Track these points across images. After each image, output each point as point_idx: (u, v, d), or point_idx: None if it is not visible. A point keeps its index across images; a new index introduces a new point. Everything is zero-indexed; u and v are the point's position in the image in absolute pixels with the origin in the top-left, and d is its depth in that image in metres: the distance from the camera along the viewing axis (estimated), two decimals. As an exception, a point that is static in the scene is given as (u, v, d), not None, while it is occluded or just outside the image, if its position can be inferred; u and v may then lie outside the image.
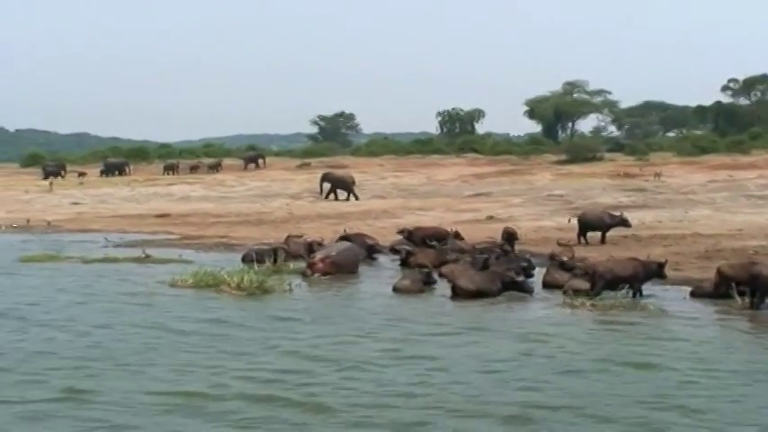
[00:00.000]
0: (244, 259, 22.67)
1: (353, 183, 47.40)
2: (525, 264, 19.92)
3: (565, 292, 17.79)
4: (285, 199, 45.63)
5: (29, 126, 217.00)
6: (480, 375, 11.80)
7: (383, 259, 24.06)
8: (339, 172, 52.82)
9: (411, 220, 31.99)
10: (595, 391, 11.09)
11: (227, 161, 71.06)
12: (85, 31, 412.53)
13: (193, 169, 68.31)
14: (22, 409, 10.33)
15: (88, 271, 22.11)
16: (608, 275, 17.68)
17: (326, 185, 47.24)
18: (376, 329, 14.91)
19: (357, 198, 45.65)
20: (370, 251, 23.88)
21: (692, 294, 17.93)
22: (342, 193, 46.66)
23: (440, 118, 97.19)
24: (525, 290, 18.49)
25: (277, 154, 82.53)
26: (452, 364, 12.39)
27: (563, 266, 19.63)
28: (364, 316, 16.24)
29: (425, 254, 22.50)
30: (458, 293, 18.00)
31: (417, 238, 24.84)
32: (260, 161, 69.45)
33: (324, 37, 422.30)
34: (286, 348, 13.39)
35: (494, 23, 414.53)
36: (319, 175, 49.53)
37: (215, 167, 68.41)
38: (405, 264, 22.30)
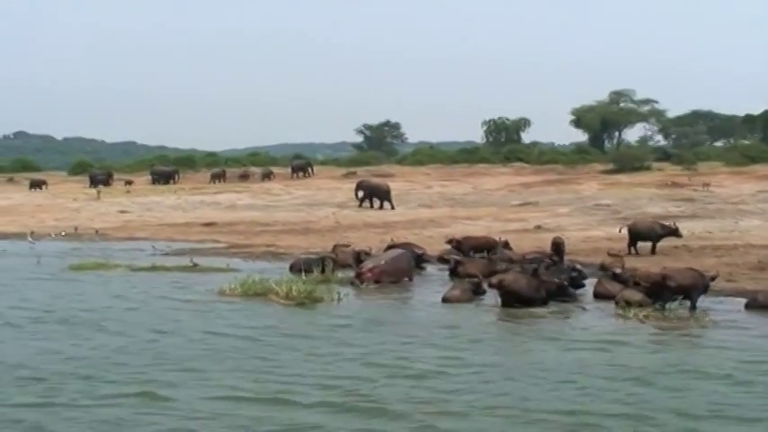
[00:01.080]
0: (292, 268, 22.63)
1: (389, 191, 47.34)
2: (575, 274, 19.63)
3: (617, 303, 17.53)
4: (331, 208, 45.57)
5: (76, 134, 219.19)
6: (544, 383, 11.73)
7: (431, 269, 23.87)
8: (375, 180, 52.88)
9: (458, 230, 31.83)
10: (652, 400, 10.94)
11: (273, 170, 71.31)
12: (130, 41, 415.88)
13: (243, 177, 68.75)
14: (107, 413, 10.48)
15: (137, 279, 22.17)
16: (673, 285, 17.40)
17: (362, 193, 47.24)
18: (432, 338, 14.82)
19: (392, 206, 45.57)
20: (418, 261, 23.69)
21: (747, 306, 17.60)
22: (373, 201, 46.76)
23: (486, 127, 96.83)
24: (570, 296, 18.48)
25: (322, 163, 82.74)
26: (514, 371, 12.35)
27: (615, 277, 19.35)
28: (417, 324, 16.13)
29: (474, 264, 22.31)
30: (507, 299, 17.81)
31: (466, 248, 24.69)
32: (308, 170, 69.67)
33: (369, 45, 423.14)
34: (349, 356, 13.36)
35: (539, 32, 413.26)
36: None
37: (267, 176, 68.81)
38: (453, 273, 22.08)
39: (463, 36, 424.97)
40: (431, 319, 16.74)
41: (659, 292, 17.33)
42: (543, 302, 17.95)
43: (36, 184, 68.48)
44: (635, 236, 26.39)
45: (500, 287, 18.03)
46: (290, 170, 70.47)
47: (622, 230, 27.18)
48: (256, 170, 74.93)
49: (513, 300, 17.81)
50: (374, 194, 47.07)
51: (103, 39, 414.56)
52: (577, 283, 19.35)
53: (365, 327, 15.90)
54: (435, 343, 14.39)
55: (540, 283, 18.32)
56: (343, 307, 18.06)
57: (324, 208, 45.65)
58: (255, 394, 11.18)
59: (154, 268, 23.88)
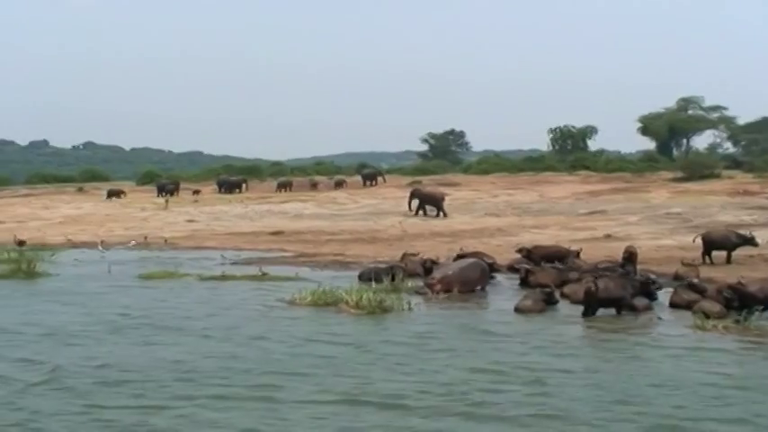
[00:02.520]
0: (361, 277, 22.54)
1: (443, 199, 47.15)
2: (651, 283, 19.23)
3: (694, 313, 17.18)
4: (397, 217, 45.36)
5: (144, 145, 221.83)
6: (645, 390, 11.83)
7: (501, 278, 23.60)
8: (428, 188, 52.76)
9: (526, 239, 31.55)
10: (741, 410, 10.96)
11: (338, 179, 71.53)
12: (197, 53, 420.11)
13: (314, 186, 69.09)
14: (235, 416, 10.80)
15: (207, 288, 22.26)
16: (760, 296, 17.01)
17: (416, 202, 47.07)
18: (516, 346, 14.80)
19: (445, 215, 45.40)
20: (488, 270, 23.46)
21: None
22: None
23: (551, 135, 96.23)
24: (654, 296, 18.46)
25: (387, 172, 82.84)
26: (609, 378, 12.53)
27: (692, 287, 18.96)
28: (498, 333, 16.01)
29: (546, 273, 22.06)
30: (592, 306, 17.60)
31: (536, 257, 24.43)
32: (379, 178, 69.82)
33: (434, 54, 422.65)
34: (445, 363, 13.48)
35: (606, 39, 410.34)
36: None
37: (339, 184, 69.09)
38: (524, 283, 21.86)
39: (527, 44, 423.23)
40: (511, 328, 16.59)
41: (743, 302, 16.96)
42: (631, 301, 17.78)
43: (113, 194, 69.39)
44: (709, 245, 25.87)
45: (587, 295, 17.79)
46: (360, 179, 70.68)
47: (696, 240, 26.66)
48: (322, 179, 75.20)
49: (600, 304, 17.59)
50: (428, 202, 46.92)
51: (170, 49, 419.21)
52: (652, 292, 18.98)
53: (447, 335, 15.85)
54: (524, 351, 14.42)
55: (626, 281, 18.09)
56: (415, 316, 17.92)
57: (390, 217, 45.48)
58: (371, 398, 11.44)
59: (223, 277, 23.92)
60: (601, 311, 17.73)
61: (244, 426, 10.48)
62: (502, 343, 15.15)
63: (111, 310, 18.96)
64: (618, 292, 17.74)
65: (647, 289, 18.42)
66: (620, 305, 17.70)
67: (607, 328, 16.67)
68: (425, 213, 46.04)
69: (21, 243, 34.41)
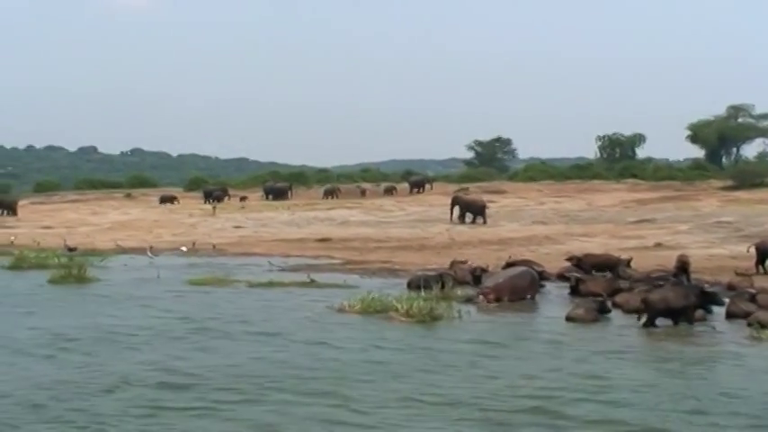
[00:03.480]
0: (410, 285, 22.41)
1: (484, 206, 47.10)
2: (714, 294, 18.81)
3: (750, 324, 16.90)
4: (444, 224, 45.29)
5: (190, 151, 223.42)
6: (715, 399, 11.80)
7: (550, 286, 23.39)
8: (470, 196, 52.72)
9: (575, 247, 31.35)
10: None
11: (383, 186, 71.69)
12: (239, 59, 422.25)
13: (362, 193, 69.28)
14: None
15: (257, 295, 22.27)
16: None
17: (457, 209, 47.05)
18: (573, 354, 14.80)
19: (485, 222, 45.38)
20: (538, 278, 23.27)
21: None
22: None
23: (599, 143, 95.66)
24: (718, 303, 18.17)
25: (433, 179, 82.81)
26: (675, 387, 12.51)
27: (750, 297, 18.63)
28: (550, 342, 15.91)
29: (596, 282, 21.84)
30: (652, 315, 17.37)
31: (587, 266, 24.20)
32: (426, 185, 69.84)
33: (479, 60, 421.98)
34: (514, 371, 13.49)
35: (654, 46, 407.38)
36: (485, 199, 49.35)
37: (389, 191, 69.21)
38: (574, 292, 21.65)
39: (574, 51, 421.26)
40: (565, 336, 16.49)
41: None
42: (693, 311, 17.53)
43: (167, 200, 69.96)
44: (764, 254, 25.50)
45: (646, 304, 17.58)
46: (407, 186, 70.76)
47: (750, 249, 26.28)
48: (368, 185, 75.29)
49: (660, 314, 17.38)
50: (469, 210, 46.86)
51: (215, 57, 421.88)
52: (709, 302, 18.64)
53: (500, 343, 15.81)
54: (581, 359, 14.42)
55: (687, 292, 17.84)
56: (466, 324, 17.79)
57: (437, 224, 45.38)
58: (440, 403, 11.52)
59: (271, 284, 23.94)
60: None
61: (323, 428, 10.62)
62: (558, 351, 15.08)
63: (166, 315, 19.13)
64: (679, 301, 17.48)
65: (713, 299, 18.03)
66: (682, 316, 17.43)
67: (662, 337, 16.48)
68: (472, 221, 45.95)
69: (71, 249, 34.69)
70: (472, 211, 46.74)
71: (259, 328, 17.38)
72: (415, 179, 72.97)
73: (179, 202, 69.40)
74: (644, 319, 17.47)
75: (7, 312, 19.82)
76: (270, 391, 12.20)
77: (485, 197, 57.07)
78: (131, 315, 19.14)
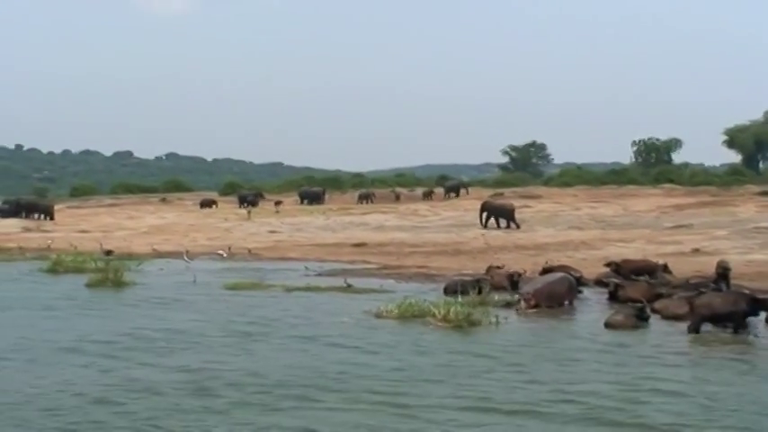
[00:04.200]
0: (446, 290, 22.31)
1: (514, 210, 47.03)
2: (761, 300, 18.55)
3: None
4: (480, 229, 45.18)
5: (225, 156, 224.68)
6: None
7: (588, 292, 23.21)
8: (499, 200, 52.61)
9: (611, 252, 31.10)
10: None
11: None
12: (277, 65, 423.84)
13: (397, 198, 69.66)
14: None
15: (294, 299, 22.26)
16: None
17: (486, 215, 46.99)
18: (620, 359, 14.76)
19: (518, 226, 45.34)
20: (576, 284, 23.09)
21: None
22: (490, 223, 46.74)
23: (635, 148, 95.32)
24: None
25: (467, 184, 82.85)
26: (728, 393, 12.44)
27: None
28: (593, 349, 15.79)
29: (635, 287, 21.58)
30: (698, 322, 17.18)
31: (625, 271, 23.95)
32: (462, 190, 69.89)
33: (513, 66, 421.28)
34: (561, 373, 13.61)
35: (689, 51, 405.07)
36: (520, 204, 49.28)
37: (428, 195, 69.45)
38: (613, 297, 21.46)
39: (609, 56, 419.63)
40: (608, 341, 16.37)
41: None
42: (743, 318, 17.30)
43: (206, 204, 70.39)
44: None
45: (692, 309, 17.44)
46: (442, 190, 70.87)
47: None
48: (402, 190, 75.35)
49: (707, 320, 17.22)
50: (499, 215, 46.77)
51: (252, 62, 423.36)
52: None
53: (541, 348, 15.77)
54: (628, 363, 14.38)
55: (736, 298, 17.63)
56: (504, 330, 17.67)
57: (472, 229, 45.27)
58: (501, 406, 11.65)
59: (308, 289, 23.93)
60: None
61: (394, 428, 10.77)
62: (601, 356, 15.01)
63: (208, 319, 19.22)
64: (727, 307, 17.27)
65: (765, 306, 17.77)
66: (729, 322, 17.23)
67: (706, 343, 16.33)
68: (506, 225, 45.86)
69: (108, 253, 34.89)
70: (502, 215, 46.66)
71: (300, 332, 17.42)
72: (451, 184, 73.00)
73: (218, 206, 69.75)
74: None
75: (50, 316, 20.00)
76: (326, 394, 12.31)
77: (519, 202, 56.96)
78: (173, 319, 19.24)
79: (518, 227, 45.38)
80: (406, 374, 13.55)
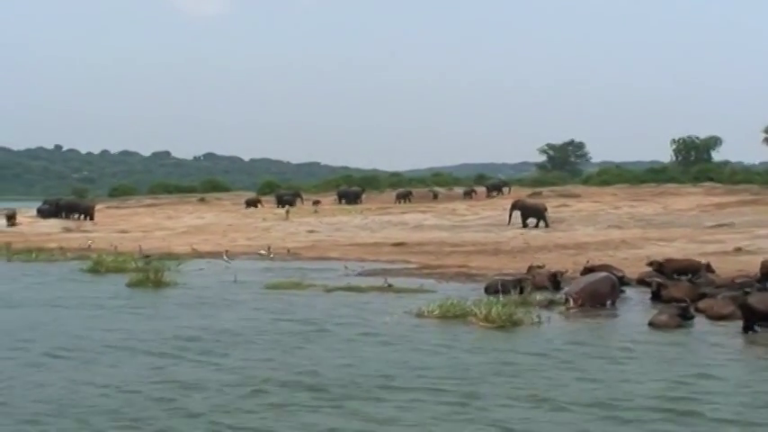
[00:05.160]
0: (487, 290, 22.18)
1: (545, 210, 46.90)
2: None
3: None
4: (518, 228, 45.00)
5: (263, 156, 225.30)
6: None
7: (630, 292, 23.00)
8: (531, 200, 52.44)
9: (653, 252, 30.84)
10: None
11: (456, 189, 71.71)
12: (315, 63, 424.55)
13: (435, 196, 69.70)
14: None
15: (335, 299, 22.25)
16: None
17: (516, 213, 46.97)
18: (668, 361, 14.65)
19: (547, 225, 45.26)
20: (618, 284, 22.88)
21: None
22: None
23: (674, 146, 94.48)
24: None
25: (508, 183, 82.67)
26: None
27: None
28: (640, 347, 15.71)
29: (679, 287, 21.38)
30: (751, 321, 17.03)
31: (668, 271, 23.75)
32: (504, 189, 69.81)
33: (550, 65, 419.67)
34: (627, 373, 13.67)
35: (729, 49, 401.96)
36: (558, 203, 49.12)
37: (469, 194, 69.44)
38: (656, 297, 21.25)
39: (646, 53, 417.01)
40: (656, 341, 16.28)
41: None
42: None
43: (252, 203, 70.67)
44: None
45: (743, 309, 17.25)
46: (484, 189, 70.80)
47: None
48: (440, 190, 75.25)
49: (760, 319, 17.03)
50: (530, 214, 46.64)
51: (288, 62, 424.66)
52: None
53: (586, 347, 15.75)
54: (680, 362, 14.42)
55: None
56: (547, 330, 17.57)
57: (511, 228, 45.12)
58: (566, 403, 11.80)
59: (349, 288, 23.89)
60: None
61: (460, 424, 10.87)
62: (649, 355, 15.02)
63: (255, 318, 19.40)
64: None
65: None
66: None
67: (754, 342, 16.28)
68: (535, 225, 45.74)
69: (147, 256, 35.15)
70: (533, 215, 46.50)
71: (347, 331, 17.55)
72: (493, 182, 72.89)
73: (263, 205, 69.98)
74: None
75: (97, 315, 20.28)
76: (390, 392, 12.45)
77: (558, 201, 56.72)
78: (219, 318, 19.42)
79: (546, 225, 45.28)
80: (463, 372, 13.60)
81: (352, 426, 10.90)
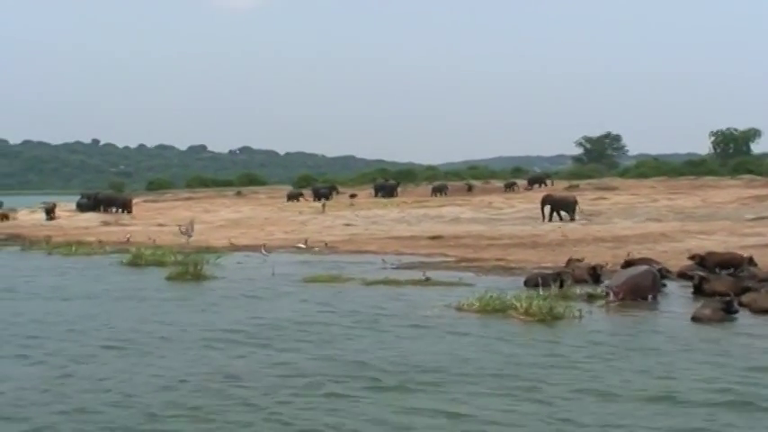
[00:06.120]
0: (527, 283, 22.08)
1: (576, 203, 46.75)
2: None
3: None
4: (556, 221, 44.77)
5: (298, 149, 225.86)
6: None
7: (672, 286, 22.78)
8: (561, 193, 52.23)
9: (693, 245, 30.55)
10: None
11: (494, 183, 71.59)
12: (350, 56, 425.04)
13: (469, 188, 69.73)
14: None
15: (375, 292, 22.19)
16: None
17: (548, 208, 46.64)
18: (719, 354, 14.54)
19: (572, 219, 45.17)
20: (660, 278, 22.66)
21: None
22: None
23: (713, 138, 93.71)
24: None
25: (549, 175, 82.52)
26: None
27: None
28: (686, 341, 15.61)
29: (721, 281, 21.15)
30: None
31: (710, 264, 23.51)
32: (547, 182, 69.75)
33: (588, 55, 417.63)
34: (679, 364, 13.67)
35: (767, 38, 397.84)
36: (596, 196, 48.76)
37: (510, 186, 69.54)
38: (698, 291, 21.03)
39: (684, 45, 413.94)
40: (701, 335, 16.14)
41: None
42: None
43: (293, 197, 71.01)
44: None
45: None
46: (525, 183, 70.84)
47: None
48: (477, 183, 75.15)
49: None
50: (561, 208, 46.43)
51: (320, 56, 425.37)
52: None
53: (641, 341, 15.67)
54: (730, 355, 14.35)
55: None
56: (589, 324, 17.42)
57: (549, 221, 44.93)
58: (629, 393, 11.91)
59: (387, 282, 23.84)
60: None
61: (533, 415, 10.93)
62: (699, 348, 14.95)
63: (304, 310, 19.48)
64: None
65: None
66: None
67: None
68: (561, 218, 45.61)
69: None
70: (564, 208, 46.31)
71: (390, 322, 17.62)
72: (535, 175, 72.91)
73: (306, 199, 70.18)
74: None
75: (144, 308, 20.41)
76: (448, 383, 12.48)
77: (595, 194, 56.42)
78: (264, 311, 19.48)
79: (572, 219, 45.21)
80: (515, 366, 13.57)
81: (419, 420, 10.88)
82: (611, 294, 19.75)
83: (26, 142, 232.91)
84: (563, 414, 10.94)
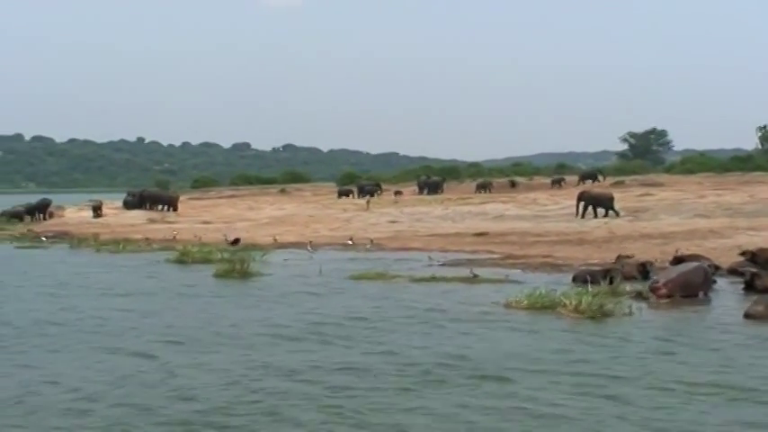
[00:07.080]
0: (575, 280, 21.94)
1: (612, 199, 46.33)
2: None
3: None
4: (602, 218, 44.48)
5: (341, 146, 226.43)
6: None
7: (722, 282, 22.52)
8: (596, 189, 51.85)
9: (743, 241, 30.17)
10: None
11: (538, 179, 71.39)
12: (393, 55, 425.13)
13: (513, 185, 69.68)
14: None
15: (422, 289, 22.12)
16: None
17: (583, 204, 46.30)
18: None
19: (618, 215, 44.72)
20: (711, 274, 22.41)
21: None
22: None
23: (760, 133, 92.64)
24: None
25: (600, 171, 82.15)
26: None
27: None
28: (740, 339, 15.37)
29: (774, 277, 20.90)
30: None
31: (762, 260, 23.21)
32: (599, 178, 69.55)
33: (633, 50, 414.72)
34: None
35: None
36: (641, 192, 48.37)
37: (557, 182, 69.49)
38: (749, 287, 20.76)
39: (728, 36, 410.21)
40: (749, 338, 15.73)
41: None
42: None
43: (344, 193, 71.44)
44: None
45: None
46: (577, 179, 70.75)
47: None
48: (521, 180, 74.98)
49: None
50: (598, 204, 46.03)
51: (365, 53, 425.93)
52: None
53: (695, 338, 15.49)
54: None
55: None
56: (639, 321, 17.21)
57: (595, 218, 44.65)
58: (699, 387, 11.81)
59: (434, 279, 23.74)
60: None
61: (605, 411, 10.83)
62: (756, 345, 14.81)
63: (352, 306, 19.44)
64: None
65: None
66: None
67: None
68: (595, 215, 45.20)
69: (234, 242, 35.47)
70: (600, 204, 45.94)
71: (442, 317, 17.66)
72: (587, 171, 72.66)
73: (355, 196, 70.40)
74: None
75: (197, 304, 20.48)
76: (518, 379, 12.40)
77: (641, 190, 56.00)
78: (314, 307, 19.43)
79: (617, 215, 44.75)
80: (581, 362, 13.47)
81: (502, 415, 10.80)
82: (662, 290, 19.56)
83: (72, 140, 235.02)
84: (644, 413, 10.77)
